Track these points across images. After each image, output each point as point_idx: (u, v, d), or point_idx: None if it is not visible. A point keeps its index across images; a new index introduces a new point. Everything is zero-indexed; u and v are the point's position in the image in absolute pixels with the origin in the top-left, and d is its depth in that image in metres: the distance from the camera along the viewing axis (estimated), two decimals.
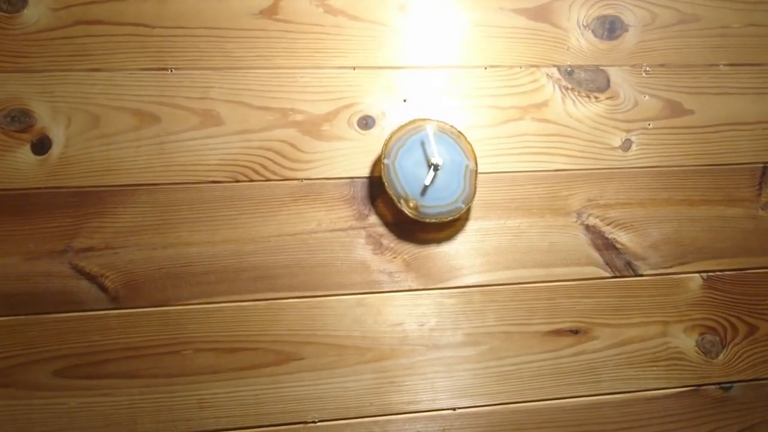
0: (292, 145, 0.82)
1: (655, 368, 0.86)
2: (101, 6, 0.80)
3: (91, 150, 0.78)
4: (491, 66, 0.87)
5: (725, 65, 0.91)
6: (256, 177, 0.81)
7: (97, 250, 0.78)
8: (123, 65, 0.80)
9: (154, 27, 0.81)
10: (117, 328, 0.77)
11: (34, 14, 0.79)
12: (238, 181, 0.81)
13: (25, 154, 0.77)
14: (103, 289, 0.77)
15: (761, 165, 0.90)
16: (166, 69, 0.80)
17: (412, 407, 0.82)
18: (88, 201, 0.78)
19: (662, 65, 0.90)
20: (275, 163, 0.81)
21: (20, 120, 0.77)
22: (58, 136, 0.78)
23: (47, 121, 0.78)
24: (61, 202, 0.78)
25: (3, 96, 0.77)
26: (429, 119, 0.83)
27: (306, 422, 0.79)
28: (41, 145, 0.77)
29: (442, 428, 0.82)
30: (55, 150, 0.78)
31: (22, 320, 0.76)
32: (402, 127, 0.82)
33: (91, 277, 0.77)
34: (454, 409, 0.82)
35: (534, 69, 0.87)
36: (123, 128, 0.79)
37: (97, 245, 0.78)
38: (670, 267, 0.88)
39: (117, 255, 0.78)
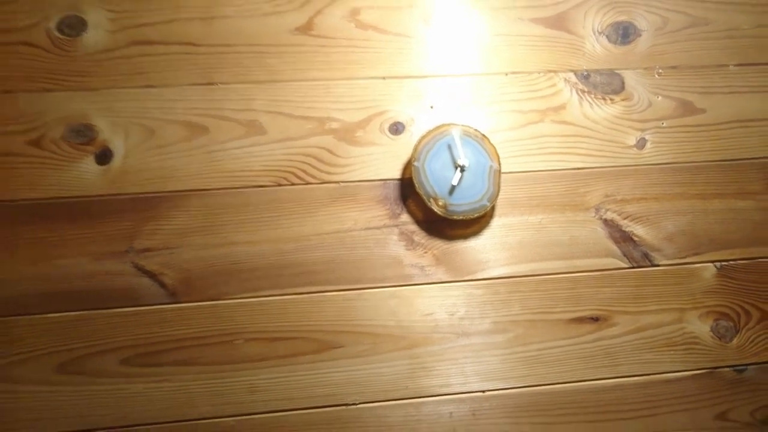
0: (329, 151, 0.86)
1: (671, 352, 0.88)
2: (152, 27, 0.85)
3: (147, 160, 0.84)
4: (512, 72, 0.90)
5: (735, 65, 0.93)
6: (297, 181, 0.86)
7: (155, 250, 0.83)
8: (174, 81, 0.85)
9: (200, 45, 0.86)
10: (174, 320, 0.82)
11: (93, 37, 0.84)
12: (280, 185, 0.85)
13: (89, 165, 0.83)
14: (162, 285, 0.83)
15: None
16: (212, 84, 0.86)
17: (444, 390, 0.85)
18: (146, 206, 0.83)
19: (674, 67, 0.92)
20: (314, 167, 0.86)
21: (84, 134, 0.84)
22: (118, 147, 0.84)
23: (108, 134, 0.84)
24: (122, 207, 0.83)
25: (68, 112, 0.83)
26: (455, 124, 0.86)
27: (347, 404, 0.83)
28: (104, 156, 0.83)
29: (471, 409, 0.85)
30: (116, 160, 0.83)
31: (89, 314, 0.82)
32: (430, 132, 0.85)
33: (151, 275, 0.83)
34: (483, 391, 0.86)
35: (552, 74, 0.90)
36: (175, 139, 0.84)
37: (155, 246, 0.83)
38: (685, 257, 0.89)
39: (173, 254, 0.83)
